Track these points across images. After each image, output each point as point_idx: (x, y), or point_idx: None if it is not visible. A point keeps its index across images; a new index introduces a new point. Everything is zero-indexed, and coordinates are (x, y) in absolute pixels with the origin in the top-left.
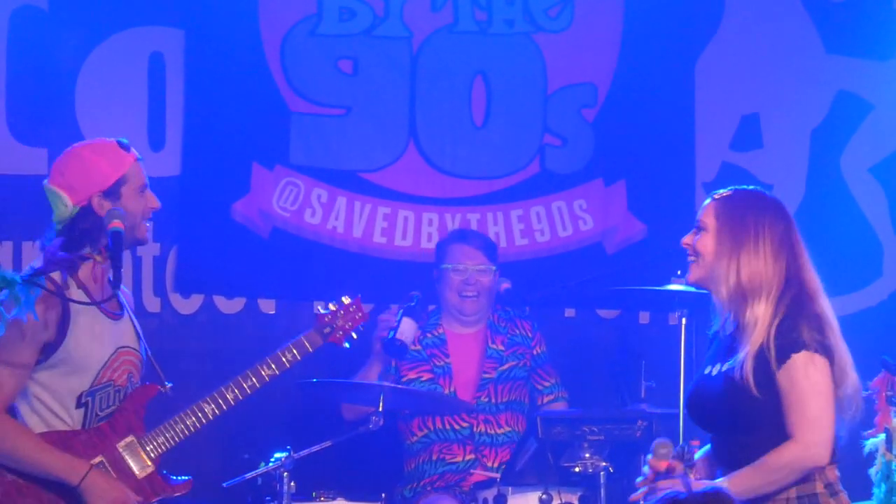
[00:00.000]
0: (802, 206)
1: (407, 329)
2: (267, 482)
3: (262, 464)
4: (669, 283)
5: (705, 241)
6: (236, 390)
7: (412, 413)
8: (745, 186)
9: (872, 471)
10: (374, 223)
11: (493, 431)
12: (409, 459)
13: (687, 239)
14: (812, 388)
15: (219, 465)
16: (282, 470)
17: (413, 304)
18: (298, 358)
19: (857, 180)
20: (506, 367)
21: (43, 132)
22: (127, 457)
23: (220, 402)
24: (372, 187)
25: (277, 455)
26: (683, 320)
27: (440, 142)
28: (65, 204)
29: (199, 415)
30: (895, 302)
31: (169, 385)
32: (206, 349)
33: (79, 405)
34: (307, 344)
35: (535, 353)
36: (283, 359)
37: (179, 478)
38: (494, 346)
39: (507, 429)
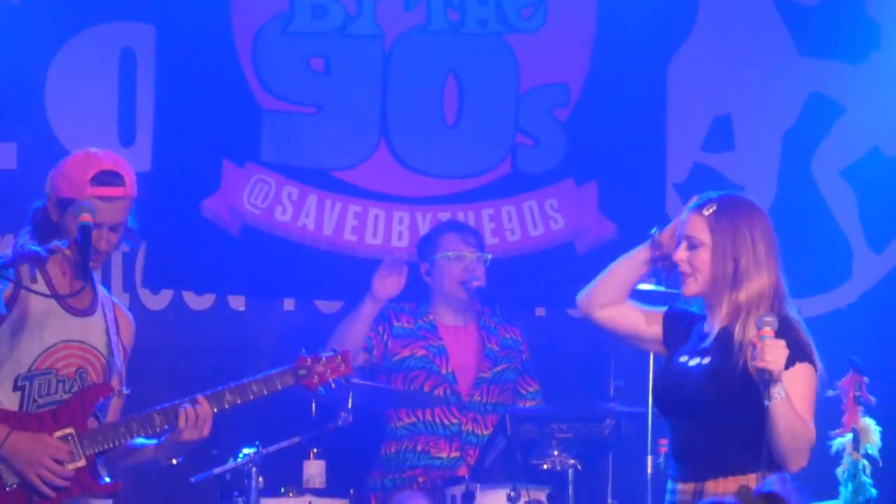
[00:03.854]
0: (773, 208)
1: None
2: (235, 478)
3: (231, 459)
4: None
5: (703, 258)
6: (193, 409)
7: (390, 407)
8: (726, 193)
9: (839, 470)
10: (344, 221)
11: (479, 432)
12: (390, 442)
13: (681, 254)
14: (811, 397)
15: (186, 460)
16: (250, 465)
17: None
18: (265, 394)
19: (828, 183)
20: (500, 368)
21: (12, 127)
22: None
23: (173, 417)
24: (343, 185)
25: (246, 451)
26: None
27: (412, 141)
28: (44, 186)
29: (147, 424)
30: (864, 304)
31: (126, 391)
32: (175, 345)
33: (15, 388)
34: (277, 383)
35: (523, 357)
36: (249, 391)
37: (107, 479)
38: (490, 347)
39: (493, 430)
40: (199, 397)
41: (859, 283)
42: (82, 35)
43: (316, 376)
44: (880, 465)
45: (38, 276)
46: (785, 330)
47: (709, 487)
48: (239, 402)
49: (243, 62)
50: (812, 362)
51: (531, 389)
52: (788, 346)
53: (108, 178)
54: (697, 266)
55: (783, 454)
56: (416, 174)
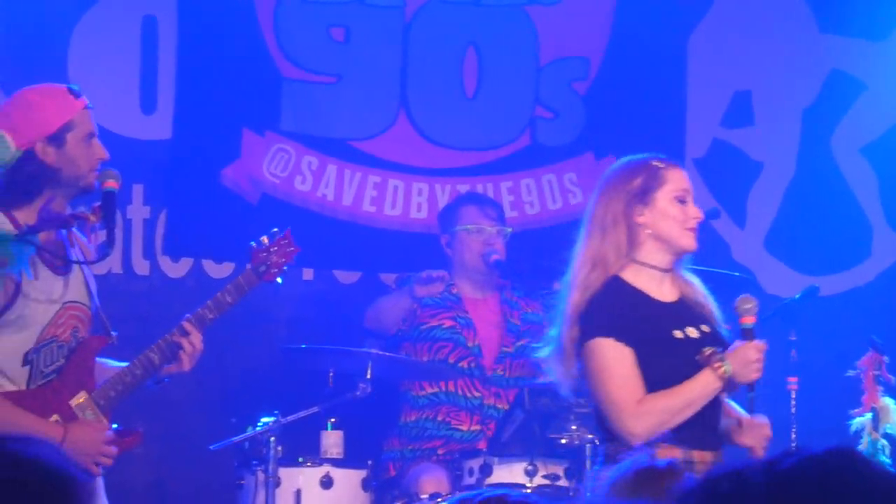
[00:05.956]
0: (793, 185)
1: None
2: (254, 446)
3: (249, 428)
4: None
5: None
6: (181, 337)
7: (409, 378)
8: None
9: (859, 449)
10: (363, 192)
11: (500, 406)
12: (411, 411)
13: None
14: None
15: (206, 428)
16: (269, 434)
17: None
18: (237, 300)
19: (848, 160)
20: (522, 342)
21: None
22: (80, 414)
23: (166, 349)
24: (362, 156)
25: (265, 420)
26: None
27: (431, 112)
28: (7, 146)
29: (147, 365)
30: (883, 282)
31: (115, 335)
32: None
33: (24, 363)
34: (244, 284)
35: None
36: (224, 302)
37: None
38: (513, 321)
39: (511, 404)
40: (186, 324)
41: (879, 261)
42: (104, 2)
43: (274, 268)
44: None
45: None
46: None
47: (719, 456)
48: (218, 315)
49: (264, 30)
50: None
51: None
52: None
53: (77, 91)
54: None
55: None
56: (435, 146)
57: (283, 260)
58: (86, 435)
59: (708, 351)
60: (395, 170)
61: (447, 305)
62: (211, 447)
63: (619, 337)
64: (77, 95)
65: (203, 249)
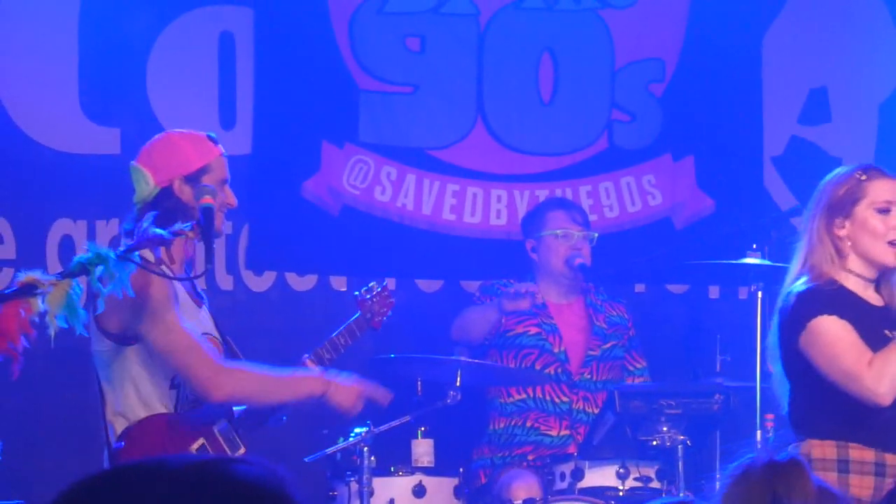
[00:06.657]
0: None
1: None
2: (346, 457)
3: (341, 439)
4: (745, 256)
5: None
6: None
7: (497, 385)
8: None
9: None
10: (443, 200)
11: (589, 410)
12: (499, 418)
13: None
14: None
15: (298, 440)
16: (361, 445)
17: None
18: (350, 342)
19: None
20: (608, 345)
21: (115, 112)
22: (223, 440)
23: None
24: (440, 164)
25: (357, 430)
26: (760, 294)
27: (508, 119)
28: (147, 182)
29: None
30: None
31: None
32: (278, 326)
33: (172, 387)
34: (356, 329)
35: (630, 334)
36: (339, 345)
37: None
38: (599, 324)
39: (602, 407)
40: (307, 361)
41: None
42: (181, 20)
43: (378, 316)
44: None
45: (165, 261)
46: None
47: None
48: (335, 356)
49: (340, 43)
50: None
51: (639, 366)
52: None
53: (216, 138)
54: None
55: None
56: (513, 152)
57: (385, 309)
58: (344, 390)
59: None
60: (473, 177)
61: (532, 312)
62: (306, 459)
63: (841, 315)
64: (215, 143)
65: (286, 262)
